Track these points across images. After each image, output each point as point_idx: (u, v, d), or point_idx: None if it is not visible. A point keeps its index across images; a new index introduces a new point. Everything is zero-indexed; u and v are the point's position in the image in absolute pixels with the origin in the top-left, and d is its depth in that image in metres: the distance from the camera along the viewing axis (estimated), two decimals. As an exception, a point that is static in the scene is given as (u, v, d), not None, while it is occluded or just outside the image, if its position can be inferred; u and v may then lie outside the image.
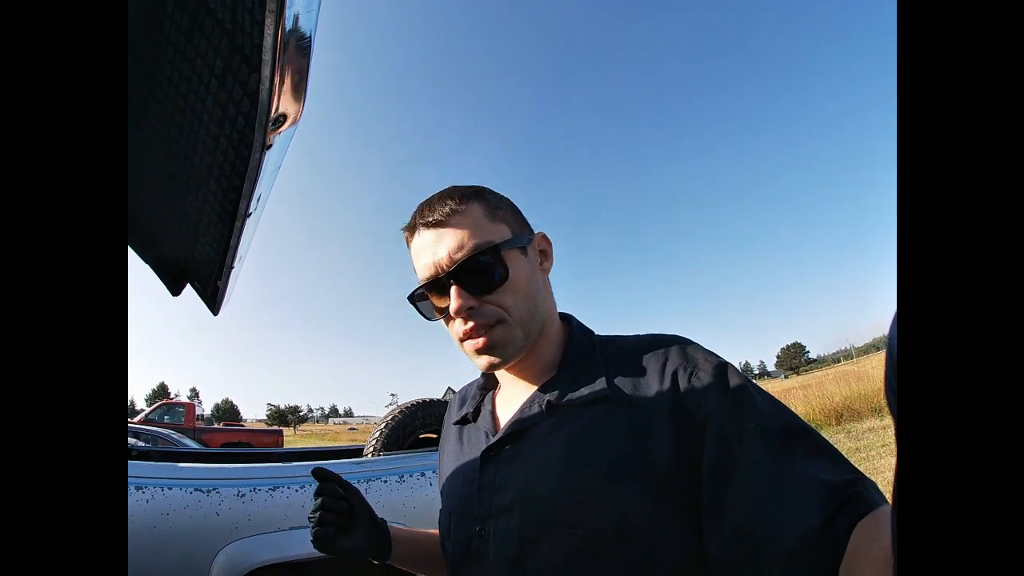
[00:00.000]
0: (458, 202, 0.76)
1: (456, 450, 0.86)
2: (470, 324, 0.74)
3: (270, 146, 0.83)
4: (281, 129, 0.81)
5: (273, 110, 0.76)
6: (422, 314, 0.79)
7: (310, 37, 0.70)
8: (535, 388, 0.78)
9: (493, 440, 0.76)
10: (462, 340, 0.76)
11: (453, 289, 0.73)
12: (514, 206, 0.82)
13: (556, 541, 0.64)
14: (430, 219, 0.75)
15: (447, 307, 0.74)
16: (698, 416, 0.64)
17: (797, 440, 0.59)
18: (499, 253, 0.73)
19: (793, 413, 0.63)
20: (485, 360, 0.76)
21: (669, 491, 0.62)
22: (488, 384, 0.90)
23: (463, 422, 0.88)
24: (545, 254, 0.84)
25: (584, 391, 0.72)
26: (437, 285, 0.75)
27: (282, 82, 0.73)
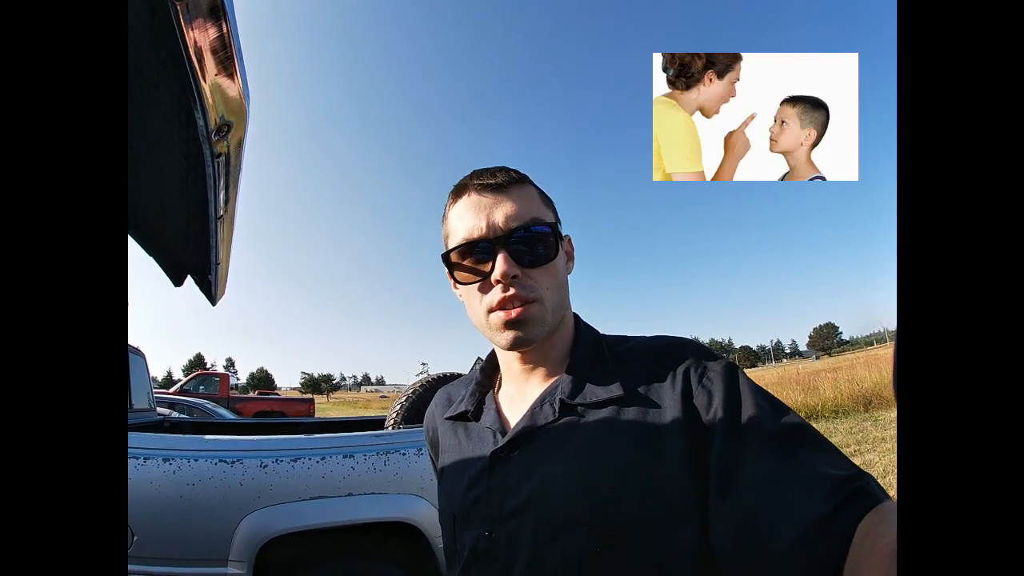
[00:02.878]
0: (518, 175, 0.76)
1: (455, 448, 0.84)
2: (510, 292, 0.72)
3: (220, 155, 0.84)
4: (229, 136, 0.81)
5: (212, 120, 0.76)
6: (451, 276, 0.78)
7: (233, 52, 0.69)
8: (543, 387, 0.77)
9: (503, 441, 0.74)
10: (492, 310, 0.74)
11: (501, 255, 0.71)
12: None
13: (572, 540, 0.64)
14: (489, 182, 0.74)
15: (485, 272, 0.73)
16: (706, 416, 0.65)
17: (799, 436, 0.60)
18: (555, 231, 0.75)
19: (793, 412, 0.64)
20: (512, 335, 0.73)
21: (680, 488, 0.63)
22: (486, 382, 0.88)
23: (462, 418, 0.85)
24: (569, 256, 0.82)
25: (597, 392, 0.72)
26: (480, 248, 0.73)
27: (214, 92, 0.72)
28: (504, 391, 0.84)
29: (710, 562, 0.61)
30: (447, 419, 0.88)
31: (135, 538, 1.91)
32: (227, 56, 0.71)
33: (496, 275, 0.71)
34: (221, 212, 1.04)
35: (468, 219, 0.74)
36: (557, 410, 0.72)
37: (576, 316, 0.85)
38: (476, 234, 0.73)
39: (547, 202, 0.79)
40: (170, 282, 1.80)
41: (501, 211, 0.73)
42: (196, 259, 1.49)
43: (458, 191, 0.77)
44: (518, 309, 0.72)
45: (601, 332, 0.84)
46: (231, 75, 0.73)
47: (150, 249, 1.67)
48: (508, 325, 0.73)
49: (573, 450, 0.69)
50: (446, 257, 0.77)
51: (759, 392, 0.66)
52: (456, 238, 0.75)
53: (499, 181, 0.74)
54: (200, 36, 0.67)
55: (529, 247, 0.73)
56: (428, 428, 0.96)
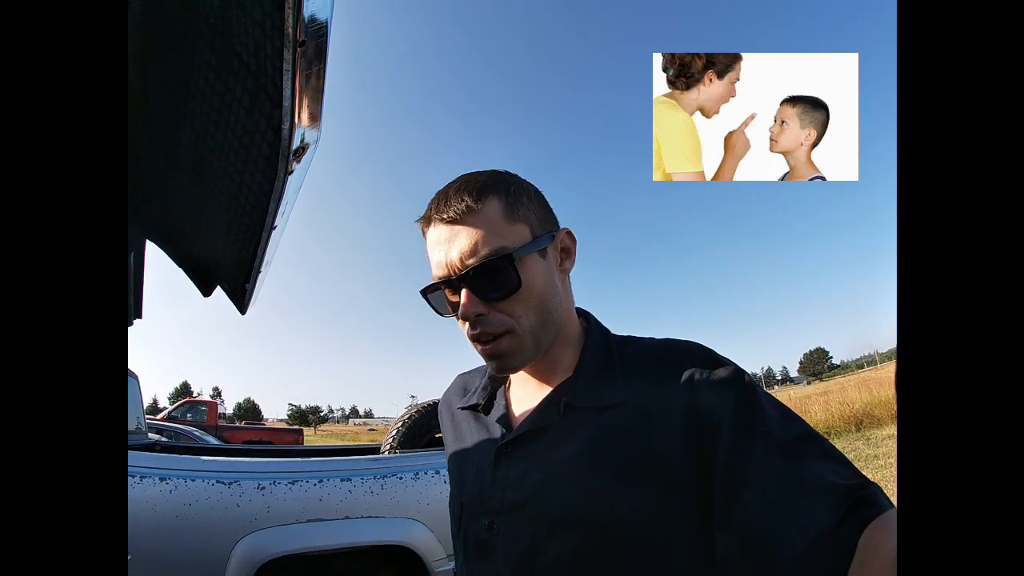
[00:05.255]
0: (475, 198, 0.72)
1: (466, 438, 0.86)
2: (478, 330, 0.72)
3: (291, 172, 0.88)
4: (301, 156, 0.86)
5: (294, 144, 0.81)
6: (434, 308, 0.78)
7: (323, 80, 0.75)
8: (551, 387, 0.77)
9: (508, 437, 0.76)
10: (472, 340, 0.75)
11: (463, 292, 0.71)
12: (538, 199, 0.79)
13: (567, 539, 0.65)
14: (445, 215, 0.72)
15: (458, 306, 0.73)
16: (711, 420, 0.64)
17: (806, 446, 0.60)
18: (512, 261, 0.70)
19: (802, 420, 0.64)
20: (494, 364, 0.75)
21: (681, 493, 0.63)
22: (499, 377, 0.88)
23: (472, 409, 0.87)
24: (568, 252, 0.80)
25: (602, 395, 0.72)
26: (448, 284, 0.73)
27: (301, 120, 0.77)
28: (513, 390, 0.85)
29: (710, 568, 0.61)
30: (462, 409, 0.90)
31: (129, 557, 1.87)
32: (319, 86, 0.76)
33: (460, 315, 0.72)
34: (276, 223, 1.08)
35: (435, 254, 0.73)
36: (562, 411, 0.73)
37: (589, 316, 0.85)
38: (441, 272, 0.73)
39: (517, 216, 0.74)
40: (199, 292, 1.82)
41: (457, 247, 0.71)
42: (231, 269, 1.51)
43: (425, 221, 0.76)
44: (490, 345, 0.72)
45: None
46: (318, 103, 0.78)
47: (182, 260, 1.69)
48: (487, 357, 0.74)
49: (574, 451, 0.69)
50: (425, 292, 0.77)
51: (767, 398, 0.67)
52: (432, 271, 0.75)
53: (451, 214, 0.72)
54: (308, 70, 0.72)
55: (491, 281, 0.71)
56: (441, 411, 0.98)
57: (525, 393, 0.82)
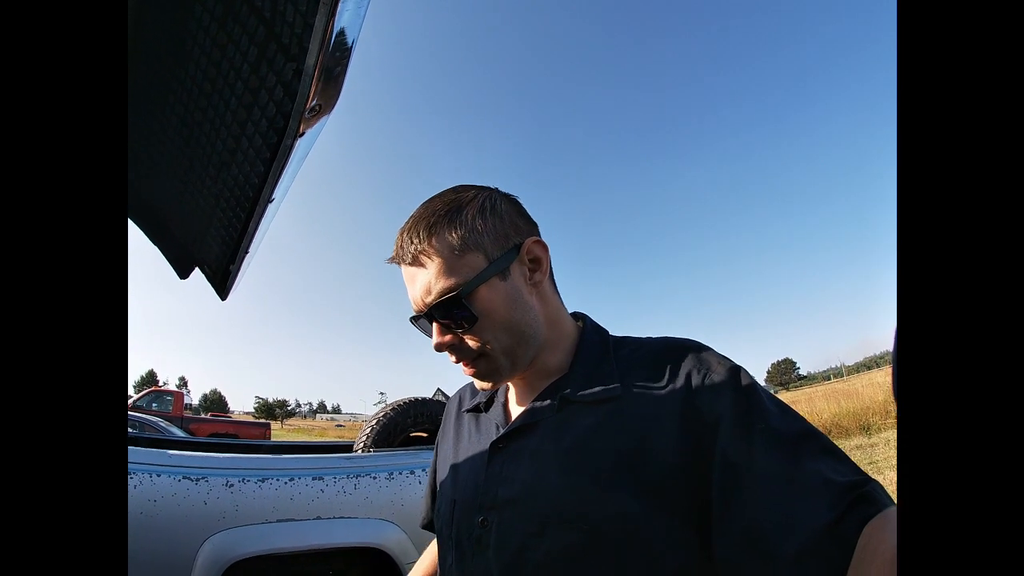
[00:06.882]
0: (423, 239, 0.74)
1: (464, 436, 0.88)
2: (454, 356, 0.77)
3: (302, 134, 0.83)
4: (315, 119, 0.81)
5: (311, 101, 0.76)
6: (425, 334, 0.80)
7: (355, 36, 0.70)
8: (546, 384, 0.79)
9: (502, 432, 0.78)
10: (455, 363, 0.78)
11: (433, 326, 0.75)
12: (498, 215, 0.77)
13: (558, 536, 0.65)
14: (403, 259, 0.76)
15: None
16: (709, 417, 0.64)
17: (806, 443, 0.60)
18: (461, 299, 0.72)
19: (801, 417, 0.64)
20: (479, 384, 0.79)
21: (674, 491, 0.63)
22: None
23: (475, 410, 0.90)
24: (538, 262, 0.79)
25: (596, 389, 0.73)
26: (420, 318, 0.77)
27: (322, 75, 0.73)
28: (512, 389, 0.87)
29: (703, 567, 0.61)
30: (464, 411, 0.93)
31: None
32: (349, 44, 0.72)
33: (434, 347, 0.76)
34: (275, 195, 1.00)
35: (408, 290, 0.78)
36: (556, 406, 0.74)
37: (585, 317, 0.87)
38: (414, 307, 0.77)
39: (468, 246, 0.74)
40: (176, 275, 1.71)
41: (417, 288, 0.75)
42: (215, 248, 1.42)
43: (394, 261, 0.79)
44: (469, 369, 0.77)
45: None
46: (344, 62, 0.73)
47: (159, 238, 1.60)
48: (471, 376, 0.78)
49: (567, 446, 0.70)
50: (412, 321, 0.80)
51: (765, 395, 0.67)
52: None
53: (408, 258, 0.75)
54: (340, 27, 0.68)
55: (451, 314, 0.73)
56: (449, 409, 1.01)
57: (523, 392, 0.83)
